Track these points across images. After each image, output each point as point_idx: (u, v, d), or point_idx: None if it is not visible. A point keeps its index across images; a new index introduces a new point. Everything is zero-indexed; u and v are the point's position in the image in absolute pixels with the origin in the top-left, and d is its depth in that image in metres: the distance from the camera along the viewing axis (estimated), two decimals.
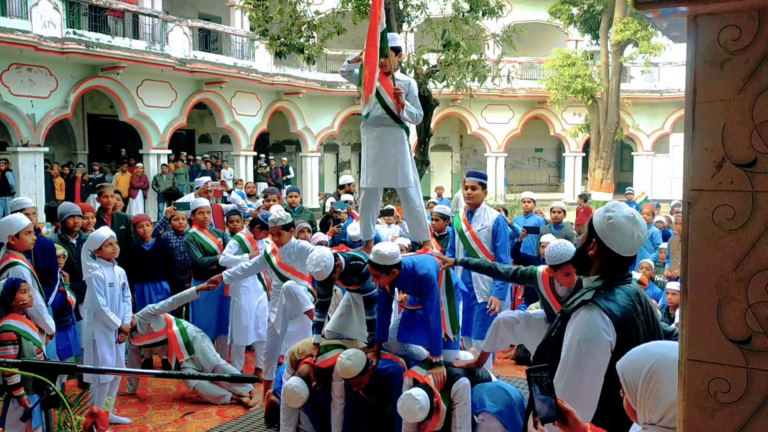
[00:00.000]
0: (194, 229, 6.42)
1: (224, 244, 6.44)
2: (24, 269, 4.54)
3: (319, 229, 7.90)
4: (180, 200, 7.49)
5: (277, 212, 5.31)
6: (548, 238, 6.99)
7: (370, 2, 11.13)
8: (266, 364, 5.46)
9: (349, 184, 9.31)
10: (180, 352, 5.62)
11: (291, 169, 21.67)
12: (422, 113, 4.82)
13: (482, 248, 5.33)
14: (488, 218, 5.41)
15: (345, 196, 8.55)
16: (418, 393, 3.97)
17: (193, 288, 5.76)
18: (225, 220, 7.36)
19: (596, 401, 2.16)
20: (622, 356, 1.95)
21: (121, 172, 17.43)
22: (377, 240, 6.87)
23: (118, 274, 5.10)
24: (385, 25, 4.58)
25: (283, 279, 5.24)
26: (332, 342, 4.62)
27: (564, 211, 8.12)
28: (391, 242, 4.23)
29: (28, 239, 4.66)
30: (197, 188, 7.77)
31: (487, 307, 5.29)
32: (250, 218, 6.58)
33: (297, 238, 5.64)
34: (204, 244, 6.34)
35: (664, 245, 8.57)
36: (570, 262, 2.54)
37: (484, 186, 5.51)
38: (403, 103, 4.57)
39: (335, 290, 5.37)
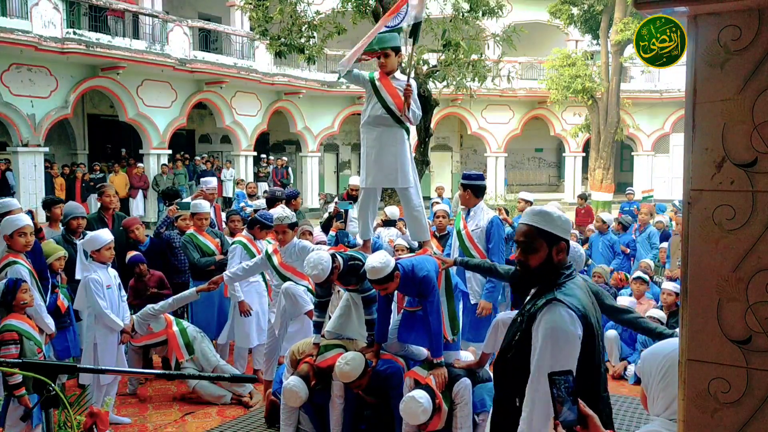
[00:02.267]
0: (192, 231, 6.41)
1: (222, 245, 6.43)
2: (23, 269, 4.53)
3: (321, 229, 7.88)
4: (182, 201, 7.50)
5: (283, 210, 5.32)
6: None
7: (371, 2, 11.15)
8: (266, 365, 5.46)
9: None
10: (180, 352, 5.62)
11: (290, 170, 21.55)
12: (421, 113, 4.82)
13: (476, 247, 5.33)
14: (483, 218, 5.40)
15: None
16: (421, 395, 3.97)
17: (194, 289, 5.74)
18: (225, 219, 7.35)
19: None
20: (587, 349, 2.11)
21: (114, 172, 17.29)
22: (375, 242, 6.91)
23: (113, 275, 5.07)
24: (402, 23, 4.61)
25: (284, 279, 5.24)
26: (332, 342, 4.62)
27: None
28: (378, 253, 4.23)
29: (21, 240, 4.64)
30: (201, 189, 7.76)
31: (477, 311, 5.28)
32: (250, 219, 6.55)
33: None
34: (201, 245, 6.33)
35: (664, 245, 8.54)
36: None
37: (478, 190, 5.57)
38: (410, 102, 4.58)
39: (338, 291, 5.37)
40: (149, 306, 5.65)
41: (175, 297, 5.69)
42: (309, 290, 5.20)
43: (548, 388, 1.82)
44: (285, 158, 22.50)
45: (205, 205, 6.59)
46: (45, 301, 4.88)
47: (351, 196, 8.26)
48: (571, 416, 1.81)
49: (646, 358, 1.97)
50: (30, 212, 6.15)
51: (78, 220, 5.89)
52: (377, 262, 4.04)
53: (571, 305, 2.24)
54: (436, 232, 6.96)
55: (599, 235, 8.91)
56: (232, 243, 6.10)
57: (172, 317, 5.79)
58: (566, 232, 2.39)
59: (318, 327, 4.65)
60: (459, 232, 5.45)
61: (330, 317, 4.93)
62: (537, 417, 2.18)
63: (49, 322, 4.65)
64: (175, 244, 6.69)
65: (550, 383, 1.84)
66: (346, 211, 7.01)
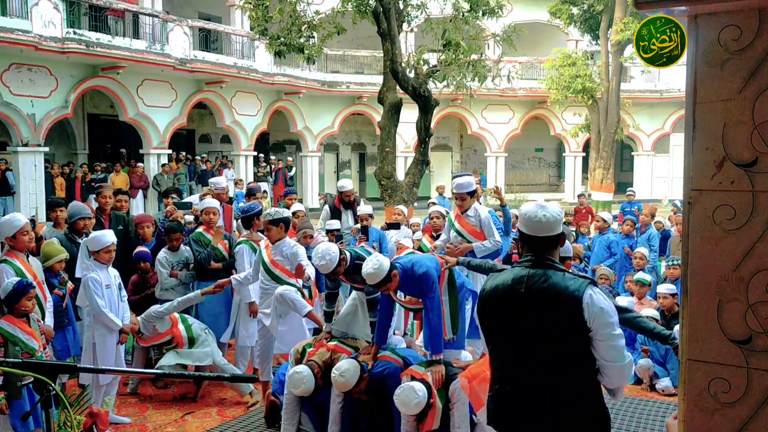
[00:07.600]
0: (200, 230, 6.34)
1: (230, 246, 6.35)
2: (7, 267, 4.53)
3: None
4: (181, 201, 7.48)
5: (275, 208, 5.35)
6: None
7: (371, 2, 11.15)
8: (261, 366, 5.46)
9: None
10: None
11: (287, 171, 21.42)
12: (500, 241, 5.49)
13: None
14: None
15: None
16: (420, 388, 4.02)
17: (198, 291, 5.72)
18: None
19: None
20: (486, 309, 2.66)
21: (115, 172, 17.22)
22: (381, 243, 7.00)
23: (113, 275, 5.03)
24: None
25: (273, 276, 5.23)
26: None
27: None
28: (371, 258, 4.26)
29: (26, 239, 4.68)
30: (209, 189, 7.73)
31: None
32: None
33: (300, 243, 5.68)
34: (207, 243, 6.29)
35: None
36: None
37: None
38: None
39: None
40: (154, 307, 5.62)
41: (179, 299, 5.67)
42: (298, 290, 5.20)
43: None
44: (290, 158, 22.28)
45: (212, 201, 6.51)
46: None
47: (343, 202, 8.05)
48: None
49: None
50: (32, 220, 6.17)
51: (84, 221, 5.93)
52: (370, 268, 4.13)
53: (488, 281, 2.85)
54: (433, 232, 7.05)
55: (599, 235, 8.98)
56: (237, 244, 6.02)
57: (177, 315, 5.76)
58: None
59: (329, 317, 4.87)
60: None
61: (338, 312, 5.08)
62: None
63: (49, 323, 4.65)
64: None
65: None
66: (366, 228, 7.11)
